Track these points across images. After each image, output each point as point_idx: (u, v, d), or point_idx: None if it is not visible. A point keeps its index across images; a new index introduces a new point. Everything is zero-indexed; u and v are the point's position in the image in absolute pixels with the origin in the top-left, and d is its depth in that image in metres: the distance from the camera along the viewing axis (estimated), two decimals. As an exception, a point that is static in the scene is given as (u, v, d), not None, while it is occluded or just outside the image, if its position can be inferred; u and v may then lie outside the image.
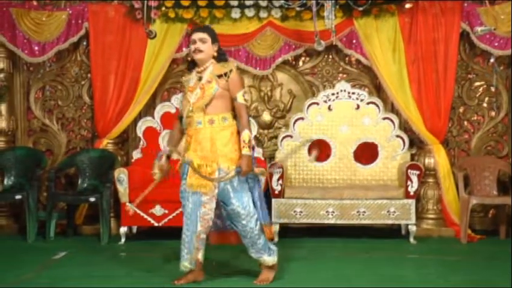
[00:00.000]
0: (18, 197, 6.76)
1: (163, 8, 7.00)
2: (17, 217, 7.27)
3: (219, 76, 4.90)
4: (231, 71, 4.92)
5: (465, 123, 7.38)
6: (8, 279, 5.19)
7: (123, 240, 6.58)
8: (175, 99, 7.09)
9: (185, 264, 4.99)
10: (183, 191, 4.99)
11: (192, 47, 4.96)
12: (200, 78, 4.95)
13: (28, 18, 7.13)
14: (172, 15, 7.01)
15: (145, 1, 6.79)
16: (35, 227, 6.80)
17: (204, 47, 4.93)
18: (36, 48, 7.16)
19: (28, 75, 7.50)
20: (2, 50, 7.25)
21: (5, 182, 7.12)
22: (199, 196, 4.91)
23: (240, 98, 4.91)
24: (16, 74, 7.43)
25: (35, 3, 7.29)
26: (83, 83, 7.49)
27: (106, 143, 7.20)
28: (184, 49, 7.17)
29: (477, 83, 7.35)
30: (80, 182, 7.07)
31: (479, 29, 6.64)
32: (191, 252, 4.96)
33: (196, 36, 4.96)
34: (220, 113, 4.91)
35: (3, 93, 7.19)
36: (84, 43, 7.38)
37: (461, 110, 7.37)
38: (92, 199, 6.70)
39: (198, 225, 4.94)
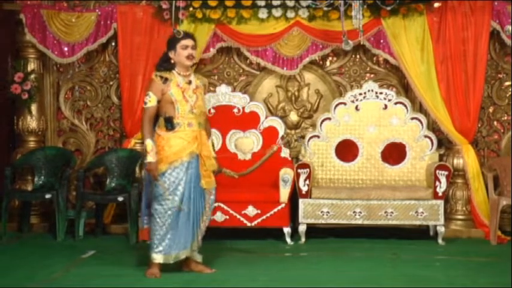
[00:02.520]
0: (48, 196, 6.84)
1: (191, 9, 7.03)
2: (46, 216, 7.32)
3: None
4: (204, 85, 5.45)
5: (495, 123, 7.30)
6: (38, 278, 5.26)
7: None
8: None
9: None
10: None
11: (186, 52, 5.19)
12: (190, 82, 5.24)
13: (58, 20, 7.20)
14: (199, 15, 7.04)
15: (173, 2, 6.83)
16: (64, 226, 6.86)
17: (195, 54, 5.31)
18: (65, 49, 7.23)
19: (58, 75, 7.58)
20: (33, 51, 7.32)
21: (36, 181, 7.20)
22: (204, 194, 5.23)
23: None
24: (46, 75, 7.50)
25: (65, 4, 7.36)
26: (111, 83, 7.55)
27: (134, 143, 7.24)
28: (211, 49, 7.20)
29: (507, 83, 7.26)
30: (108, 181, 7.13)
31: (509, 27, 6.54)
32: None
33: (190, 42, 5.26)
34: (204, 118, 5.33)
35: (34, 94, 7.25)
36: (113, 44, 7.43)
37: (491, 109, 7.29)
38: (120, 198, 6.76)
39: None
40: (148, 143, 5.13)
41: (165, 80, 5.17)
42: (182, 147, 5.14)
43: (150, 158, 5.11)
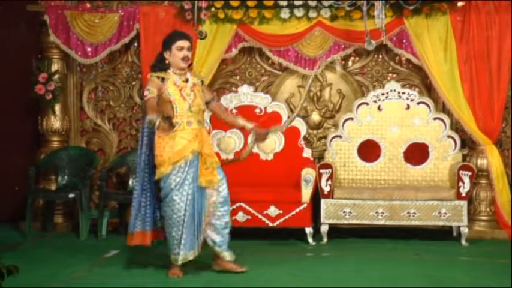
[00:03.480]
0: (71, 195, 6.88)
1: (213, 9, 7.03)
2: (70, 215, 7.38)
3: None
4: (202, 81, 5.44)
5: (519, 123, 7.24)
6: (61, 277, 5.31)
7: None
8: (225, 99, 7.17)
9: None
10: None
11: (182, 54, 5.19)
12: (187, 80, 5.22)
13: (81, 21, 7.25)
14: (221, 15, 7.04)
15: (195, 2, 6.85)
16: (88, 225, 6.92)
17: (190, 55, 5.28)
18: (89, 49, 7.28)
19: (81, 76, 7.63)
20: (57, 52, 7.38)
21: (59, 181, 7.26)
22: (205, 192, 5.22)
23: (215, 99, 5.56)
24: (69, 75, 7.56)
25: (88, 5, 7.39)
26: (133, 83, 7.59)
27: (156, 143, 7.27)
28: (233, 49, 7.21)
29: (532, 83, 7.18)
30: (131, 181, 7.13)
31: (534, 27, 6.49)
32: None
33: (185, 44, 5.24)
34: (203, 116, 5.32)
35: (57, 94, 7.31)
36: (135, 44, 7.47)
37: (515, 109, 7.23)
38: (143, 198, 6.78)
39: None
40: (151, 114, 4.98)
41: (162, 79, 5.16)
42: (184, 146, 5.13)
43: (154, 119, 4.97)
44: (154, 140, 5.18)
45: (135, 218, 5.36)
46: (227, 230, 5.32)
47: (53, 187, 7.33)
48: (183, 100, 5.17)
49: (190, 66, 5.43)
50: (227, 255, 5.31)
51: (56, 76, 7.32)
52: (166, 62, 5.23)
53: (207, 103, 5.45)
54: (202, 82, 5.44)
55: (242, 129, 5.83)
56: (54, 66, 7.38)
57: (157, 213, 5.39)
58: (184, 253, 5.19)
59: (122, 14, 7.25)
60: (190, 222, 5.16)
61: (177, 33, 5.48)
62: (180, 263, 5.21)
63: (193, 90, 5.24)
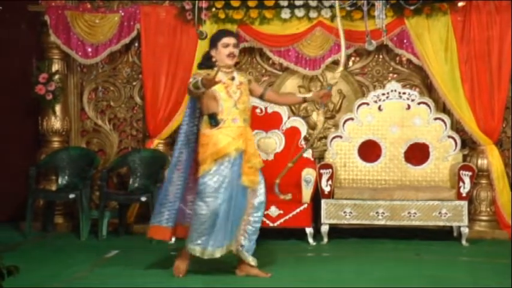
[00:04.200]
0: (71, 196, 6.87)
1: (214, 9, 7.02)
2: (70, 216, 7.38)
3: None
4: (249, 80, 5.37)
5: (520, 123, 7.23)
6: (61, 277, 5.30)
7: (173, 239, 6.56)
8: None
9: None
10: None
11: (227, 50, 5.13)
12: (233, 78, 5.16)
13: (82, 21, 7.25)
14: (222, 16, 7.03)
15: (196, 2, 6.84)
16: (88, 225, 6.91)
17: (236, 52, 5.20)
18: (89, 50, 7.27)
19: (81, 76, 7.63)
20: (57, 52, 7.38)
21: (59, 181, 7.26)
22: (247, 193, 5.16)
23: (267, 88, 5.55)
24: (70, 76, 7.55)
25: (88, 5, 7.39)
26: (134, 83, 7.59)
27: (157, 143, 7.26)
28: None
29: (532, 83, 7.18)
30: (131, 181, 7.16)
31: (534, 27, 6.48)
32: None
33: (231, 40, 5.18)
34: (249, 114, 5.26)
35: (58, 95, 7.30)
36: (136, 44, 7.47)
37: (515, 109, 7.23)
38: (143, 198, 6.78)
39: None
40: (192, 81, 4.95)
41: (208, 75, 5.02)
42: (227, 143, 5.06)
43: (198, 83, 4.86)
44: (199, 137, 5.15)
45: (159, 212, 5.31)
46: (255, 236, 5.27)
47: (54, 187, 7.33)
48: (228, 97, 5.10)
49: (237, 64, 5.38)
50: (252, 261, 5.24)
51: (57, 76, 7.32)
52: (213, 59, 5.18)
53: (262, 96, 5.42)
54: (250, 81, 5.37)
55: (305, 102, 5.77)
56: (55, 67, 7.38)
57: (185, 210, 5.31)
58: (213, 249, 5.11)
59: (123, 14, 7.25)
60: (225, 220, 5.08)
61: (223, 30, 5.46)
62: (206, 257, 5.12)
63: (240, 88, 5.17)
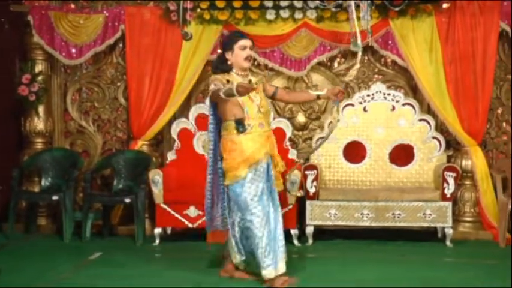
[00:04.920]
0: (55, 197, 6.82)
1: (199, 10, 6.99)
2: (54, 217, 7.32)
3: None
4: (262, 82, 5.23)
5: (504, 124, 7.24)
6: (45, 279, 5.27)
7: (157, 241, 6.59)
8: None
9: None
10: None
11: (245, 53, 5.02)
12: (250, 81, 5.03)
13: (66, 21, 7.19)
14: (207, 17, 7.01)
15: (181, 3, 6.81)
16: (71, 227, 6.85)
17: (252, 54, 5.15)
18: (73, 50, 7.22)
19: (65, 77, 7.57)
20: (40, 53, 7.32)
21: (43, 182, 7.20)
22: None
23: (278, 88, 5.38)
24: (54, 76, 7.50)
25: (72, 6, 7.34)
26: (118, 84, 7.54)
27: (141, 145, 7.22)
28: (219, 51, 7.15)
29: (516, 84, 7.21)
30: (115, 183, 7.11)
31: (519, 28, 6.51)
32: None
33: (247, 43, 5.08)
34: (270, 117, 5.20)
35: (41, 95, 7.25)
36: (120, 45, 7.42)
37: (499, 111, 7.24)
38: (127, 200, 6.74)
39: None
40: (225, 88, 4.73)
41: (227, 81, 4.93)
42: (257, 149, 4.96)
43: (233, 91, 4.63)
44: (222, 144, 5.03)
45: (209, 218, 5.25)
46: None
47: (37, 189, 7.28)
48: (251, 102, 5.00)
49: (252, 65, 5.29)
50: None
51: (40, 77, 7.27)
52: (229, 63, 5.07)
53: (273, 96, 5.29)
54: (262, 82, 5.25)
55: (318, 99, 5.53)
56: (38, 67, 7.33)
57: (225, 214, 5.18)
58: (275, 265, 4.95)
59: (107, 14, 7.20)
60: (273, 228, 4.98)
61: (238, 32, 5.35)
62: (281, 272, 4.96)
63: (258, 92, 5.07)
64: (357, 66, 5.71)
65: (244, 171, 4.93)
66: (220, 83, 4.87)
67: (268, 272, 4.93)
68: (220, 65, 5.10)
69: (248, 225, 4.96)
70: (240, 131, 4.97)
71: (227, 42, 5.12)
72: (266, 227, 4.93)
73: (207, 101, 5.12)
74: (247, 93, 4.71)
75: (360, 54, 5.85)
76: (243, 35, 5.20)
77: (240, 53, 5.03)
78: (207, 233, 5.29)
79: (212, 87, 4.89)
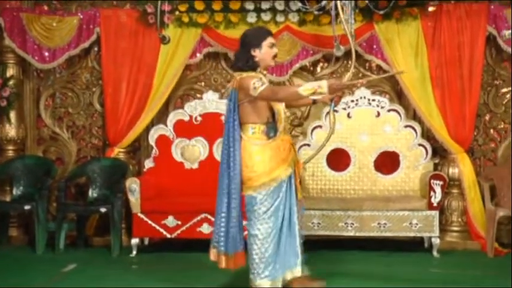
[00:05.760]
0: (27, 207, 6.69)
1: (177, 13, 6.88)
2: (26, 228, 7.17)
3: None
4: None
5: (491, 131, 7.15)
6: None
7: (134, 252, 6.49)
8: (189, 106, 7.01)
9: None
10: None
11: (273, 51, 4.78)
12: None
13: (39, 24, 7.04)
14: (186, 19, 6.89)
15: (159, 5, 6.69)
16: (44, 238, 6.71)
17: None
18: (46, 54, 7.08)
19: (38, 82, 7.43)
20: (12, 56, 7.17)
21: (14, 191, 7.04)
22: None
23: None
24: (26, 81, 7.36)
25: (45, 8, 7.20)
26: (94, 89, 7.40)
27: (117, 152, 7.09)
28: (198, 55, 7.05)
29: (504, 89, 7.10)
30: (90, 192, 6.97)
31: (506, 32, 6.39)
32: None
33: (274, 40, 4.83)
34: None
35: (13, 101, 7.11)
36: (95, 49, 7.28)
37: (487, 117, 7.14)
38: (103, 209, 6.60)
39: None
40: (306, 86, 4.50)
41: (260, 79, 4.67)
42: (284, 157, 4.71)
43: (323, 89, 4.42)
44: (245, 148, 4.69)
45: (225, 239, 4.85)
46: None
47: (8, 198, 7.11)
48: (279, 104, 4.77)
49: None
50: (306, 271, 5.05)
51: (11, 82, 7.14)
52: (256, 59, 4.75)
53: None
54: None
55: (314, 103, 5.21)
56: (10, 71, 7.19)
57: (242, 234, 4.85)
58: (283, 273, 4.79)
59: (82, 17, 7.07)
60: (289, 238, 4.78)
61: (265, 29, 5.04)
62: (281, 285, 4.76)
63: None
64: (350, 73, 5.56)
65: (268, 181, 4.66)
66: (260, 82, 4.58)
67: (263, 282, 4.73)
68: (246, 63, 4.74)
69: (256, 233, 4.70)
70: (270, 136, 4.70)
71: (254, 38, 4.80)
72: (274, 239, 4.71)
73: (230, 102, 4.72)
74: (340, 91, 4.58)
75: (353, 59, 5.66)
76: (270, 32, 4.92)
77: (268, 51, 4.76)
78: (224, 258, 4.86)
79: (258, 84, 4.54)
